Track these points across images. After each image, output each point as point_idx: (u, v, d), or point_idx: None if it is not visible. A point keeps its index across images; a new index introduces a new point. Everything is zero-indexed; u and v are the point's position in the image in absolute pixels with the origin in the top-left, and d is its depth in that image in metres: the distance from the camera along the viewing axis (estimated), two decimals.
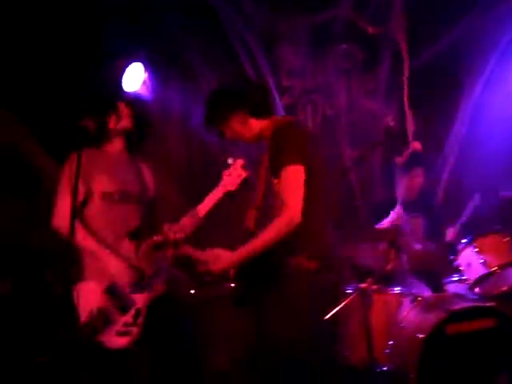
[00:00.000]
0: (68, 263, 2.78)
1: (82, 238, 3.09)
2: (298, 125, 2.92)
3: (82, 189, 3.12)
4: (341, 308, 3.57)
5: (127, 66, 4.93)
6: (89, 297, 3.06)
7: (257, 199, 2.92)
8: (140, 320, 3.13)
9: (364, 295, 3.60)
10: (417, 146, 4.06)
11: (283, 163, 2.68)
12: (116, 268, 3.11)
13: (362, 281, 3.70)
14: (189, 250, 2.95)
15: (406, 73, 4.93)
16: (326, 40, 5.16)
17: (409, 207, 4.37)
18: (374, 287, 3.73)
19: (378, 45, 5.04)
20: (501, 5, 4.76)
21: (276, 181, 2.73)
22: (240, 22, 5.08)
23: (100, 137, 3.27)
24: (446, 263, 4.13)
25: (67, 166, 3.17)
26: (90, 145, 3.25)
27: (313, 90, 5.33)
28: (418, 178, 4.52)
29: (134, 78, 4.87)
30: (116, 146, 3.34)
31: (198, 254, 2.86)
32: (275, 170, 2.72)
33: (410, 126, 4.92)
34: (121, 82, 4.82)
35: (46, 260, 4.29)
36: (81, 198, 3.14)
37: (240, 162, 3.13)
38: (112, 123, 3.27)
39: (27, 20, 4.41)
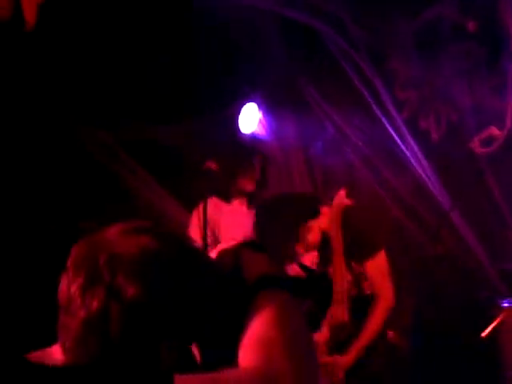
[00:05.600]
0: None
1: None
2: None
3: (210, 238, 3.17)
4: (498, 324, 3.33)
5: (242, 108, 4.99)
6: None
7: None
8: None
9: None
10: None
11: (374, 248, 2.81)
12: None
13: None
14: None
15: None
16: (436, 42, 4.92)
17: None
18: None
19: (498, 38, 4.70)
20: None
21: (354, 264, 2.86)
22: (347, 45, 4.99)
23: (227, 192, 3.33)
24: None
25: (195, 213, 3.24)
26: (217, 194, 3.31)
27: (432, 97, 5.09)
28: None
29: (250, 120, 4.92)
30: (240, 201, 3.39)
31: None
32: (361, 254, 2.84)
33: None
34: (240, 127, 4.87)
35: None
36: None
37: None
38: (243, 184, 3.31)
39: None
